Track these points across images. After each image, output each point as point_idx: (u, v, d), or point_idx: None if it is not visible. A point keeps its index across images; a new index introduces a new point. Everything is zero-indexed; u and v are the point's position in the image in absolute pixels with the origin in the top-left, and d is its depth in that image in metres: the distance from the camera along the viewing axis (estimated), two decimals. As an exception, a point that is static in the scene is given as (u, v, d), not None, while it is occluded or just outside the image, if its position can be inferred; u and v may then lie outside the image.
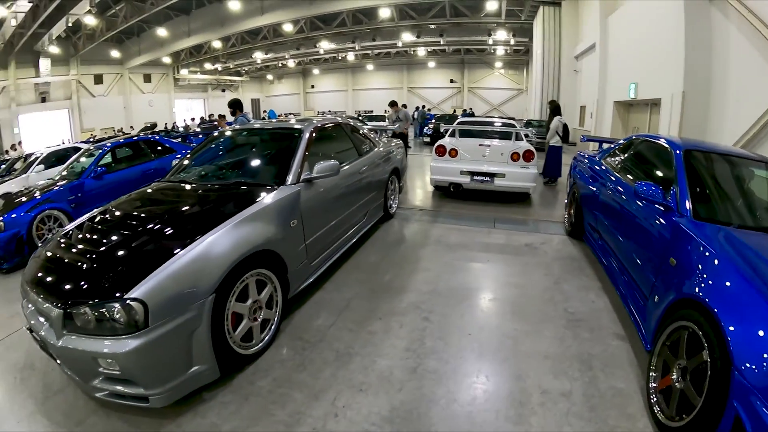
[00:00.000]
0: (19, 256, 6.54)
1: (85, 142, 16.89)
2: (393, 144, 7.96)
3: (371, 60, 44.77)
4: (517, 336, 3.77)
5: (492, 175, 8.34)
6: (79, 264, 3.21)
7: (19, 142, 27.42)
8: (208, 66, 41.88)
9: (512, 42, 32.45)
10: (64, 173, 8.24)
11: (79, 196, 7.45)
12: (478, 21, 27.88)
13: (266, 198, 3.94)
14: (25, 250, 6.58)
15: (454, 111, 38.61)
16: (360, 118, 24.64)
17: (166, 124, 36.44)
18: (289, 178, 4.33)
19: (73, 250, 3.49)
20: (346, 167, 5.47)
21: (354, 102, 49.68)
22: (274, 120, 10.15)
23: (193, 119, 36.84)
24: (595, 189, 5.50)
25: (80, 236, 3.70)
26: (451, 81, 45.78)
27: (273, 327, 3.78)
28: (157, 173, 8.02)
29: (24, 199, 7.19)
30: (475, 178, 8.42)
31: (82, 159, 8.63)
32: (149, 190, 4.68)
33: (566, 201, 7.08)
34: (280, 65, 45.94)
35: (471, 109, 39.30)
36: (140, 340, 2.69)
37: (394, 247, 6.23)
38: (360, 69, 48.25)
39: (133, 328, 2.70)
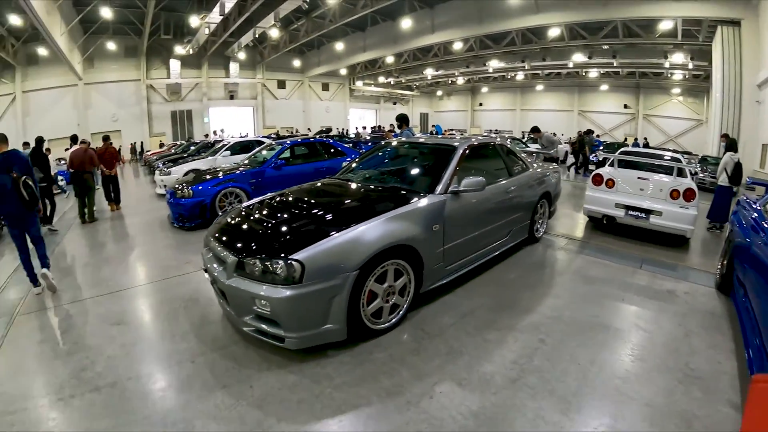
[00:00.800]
0: (200, 220, 8.38)
1: (268, 137, 19.16)
2: (549, 168, 7.86)
3: (541, 80, 42.59)
4: (627, 377, 3.63)
5: (648, 212, 7.63)
6: (256, 229, 4.27)
7: (215, 132, 31.88)
8: (381, 79, 44.02)
9: (690, 66, 28.50)
10: (248, 161, 9.91)
11: (258, 180, 8.94)
12: (653, 42, 25.38)
13: (416, 202, 4.53)
14: (206, 215, 8.34)
15: (625, 139, 36.29)
16: (524, 140, 23.74)
17: (338, 129, 39.73)
18: (439, 188, 4.82)
19: (253, 218, 4.55)
20: (494, 185, 5.73)
21: (522, 122, 47.03)
22: (440, 135, 10.65)
23: (364, 128, 38.81)
24: (747, 239, 4.78)
25: (260, 210, 4.78)
26: (625, 106, 41.47)
27: (401, 312, 4.31)
28: (328, 171, 8.95)
29: (209, 177, 9.00)
30: (630, 212, 7.79)
31: (264, 151, 10.16)
32: (320, 184, 5.79)
33: (721, 250, 6.49)
34: (450, 82, 46.05)
35: (645, 139, 35.29)
36: (293, 291, 3.48)
37: (533, 270, 6.23)
38: (529, 89, 46.51)
39: (290, 281, 3.49)
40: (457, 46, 29.78)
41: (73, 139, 11.99)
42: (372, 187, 5.29)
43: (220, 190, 8.54)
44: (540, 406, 3.17)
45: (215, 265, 4.15)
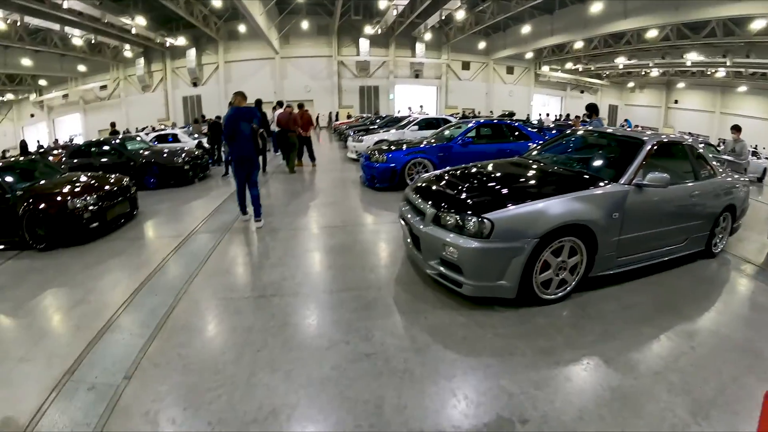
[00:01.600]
0: (389, 183, 9.64)
1: (452, 116, 20.02)
2: (739, 180, 6.98)
3: (744, 80, 35.42)
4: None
5: None
6: (454, 189, 5.03)
7: (409, 107, 33.63)
8: (568, 65, 41.65)
9: None
10: (435, 137, 10.83)
11: (445, 155, 9.78)
12: None
13: (600, 188, 4.78)
14: (395, 180, 9.57)
15: None
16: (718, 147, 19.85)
17: (528, 115, 38.34)
18: (623, 179, 4.95)
19: (450, 182, 5.35)
20: (678, 186, 5.53)
21: (720, 127, 38.78)
22: (629, 129, 10.42)
23: (548, 115, 37.26)
24: None
25: (456, 175, 5.58)
26: None
27: (568, 289, 4.67)
28: (511, 154, 9.29)
29: (401, 147, 10.15)
30: None
31: (451, 129, 10.88)
32: (509, 161, 6.43)
33: None
34: (643, 73, 41.81)
35: None
36: (480, 244, 4.13)
37: (702, 283, 5.81)
38: (730, 89, 39.23)
39: (479, 236, 4.15)
40: (651, 33, 27.52)
41: (279, 103, 14.58)
42: (558, 168, 5.66)
43: (410, 160, 9.68)
44: (673, 401, 3.26)
45: (412, 216, 5.02)
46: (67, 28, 27.31)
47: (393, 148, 10.19)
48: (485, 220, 4.11)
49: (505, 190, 4.85)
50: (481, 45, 38.74)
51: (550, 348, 3.81)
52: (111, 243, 7.46)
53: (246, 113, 7.35)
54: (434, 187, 5.26)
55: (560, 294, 4.61)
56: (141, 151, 12.44)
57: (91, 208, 7.54)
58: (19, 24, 24.41)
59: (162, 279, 5.60)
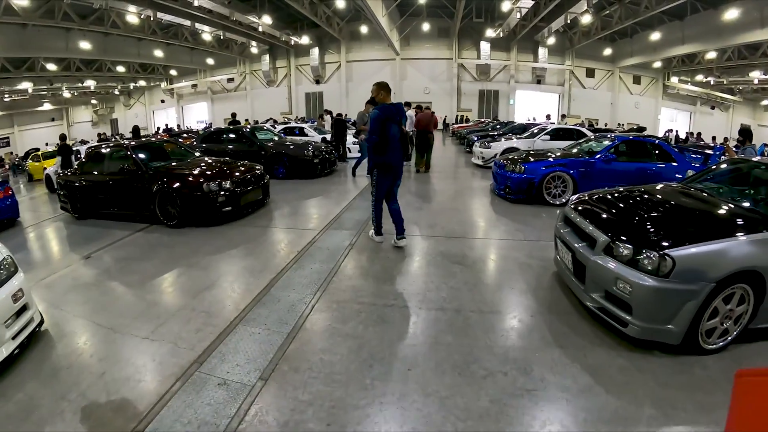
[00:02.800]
0: (524, 196, 8.83)
1: (580, 125, 19.02)
2: None
3: None
4: None
5: None
6: (627, 216, 4.42)
7: (548, 116, 30.85)
8: (699, 78, 37.59)
9: None
10: (575, 149, 9.83)
11: (586, 170, 8.84)
12: None
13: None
14: (532, 192, 8.75)
15: None
16: None
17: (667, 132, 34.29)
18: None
19: (620, 206, 4.71)
20: None
21: None
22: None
23: (674, 131, 32.90)
24: None
25: (624, 199, 4.91)
26: None
27: (729, 339, 3.88)
28: (654, 175, 8.68)
29: (538, 158, 9.32)
30: None
31: (590, 143, 10.07)
32: (678, 189, 5.32)
33: None
34: None
35: None
36: (657, 283, 3.56)
37: None
38: None
39: (657, 273, 3.59)
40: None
41: (407, 104, 14.48)
42: (727, 203, 4.93)
43: (549, 173, 8.84)
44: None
45: (575, 240, 4.48)
46: (197, 24, 28.78)
47: (531, 158, 9.36)
48: (667, 257, 3.60)
49: (683, 224, 4.18)
50: (607, 51, 36.12)
51: (710, 404, 3.16)
52: (242, 229, 7.55)
53: (396, 112, 6.02)
54: (603, 211, 4.69)
55: (720, 344, 3.94)
56: (270, 142, 12.78)
57: (225, 192, 7.72)
58: (152, 19, 26.03)
59: (297, 275, 5.40)
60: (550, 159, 9.18)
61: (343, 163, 15.03)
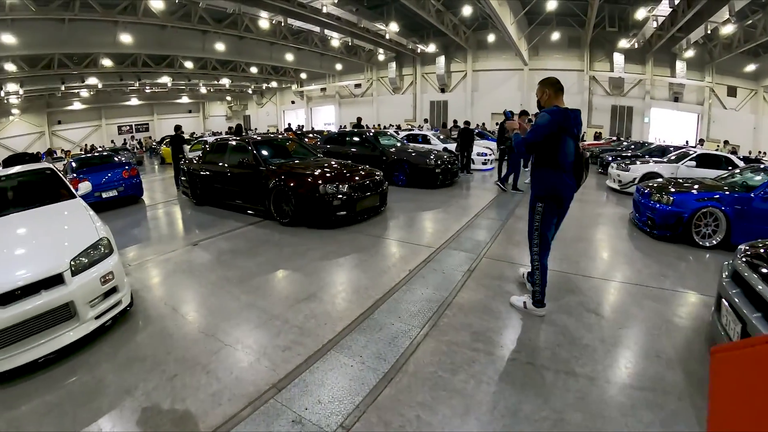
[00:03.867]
0: (670, 232, 7.30)
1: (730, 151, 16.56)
2: None
3: None
4: None
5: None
6: None
7: (701, 140, 27.61)
8: None
9: None
10: (728, 182, 8.09)
11: (743, 208, 7.21)
12: None
13: None
14: (679, 229, 7.22)
15: None
16: None
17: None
18: None
19: None
20: None
21: None
22: None
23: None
24: None
25: None
26: None
27: None
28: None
29: (686, 188, 7.86)
30: None
31: (745, 174, 8.38)
32: None
33: None
34: None
35: None
36: None
37: None
38: None
39: None
40: None
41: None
42: None
43: (701, 207, 7.30)
44: None
45: (750, 308, 3.27)
46: (326, 31, 29.12)
47: (679, 188, 7.89)
48: None
49: None
50: (750, 67, 31.07)
51: None
52: (354, 236, 7.13)
53: (573, 121, 4.19)
54: None
55: None
56: (392, 148, 12.40)
57: (342, 196, 7.38)
58: (282, 24, 27.13)
59: (406, 299, 4.71)
60: (702, 191, 7.65)
61: (466, 174, 14.35)
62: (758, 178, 7.85)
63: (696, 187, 7.92)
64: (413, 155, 11.91)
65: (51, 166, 6.57)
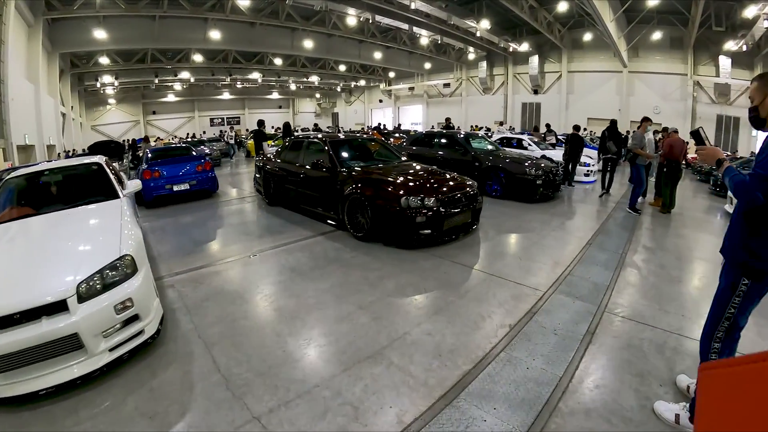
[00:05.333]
0: None
1: None
2: None
3: None
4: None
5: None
6: None
7: None
8: None
9: None
10: None
11: None
12: None
13: None
14: None
15: None
16: None
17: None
18: None
19: None
20: None
21: None
22: None
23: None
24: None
25: None
26: None
27: None
28: None
29: None
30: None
31: None
32: None
33: None
34: None
35: None
36: None
37: None
38: None
39: None
40: None
41: (665, 128, 12.07)
42: None
43: None
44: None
45: None
46: (415, 28, 28.54)
47: None
48: None
49: None
50: None
51: None
52: (440, 261, 5.82)
53: None
54: None
55: None
56: (487, 153, 11.02)
57: (427, 211, 6.15)
58: (371, 22, 26.62)
59: (505, 376, 3.34)
60: None
61: (569, 186, 12.72)
62: None
63: None
64: (510, 163, 10.36)
65: (99, 160, 6.03)
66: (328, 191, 7.29)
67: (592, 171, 14.22)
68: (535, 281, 5.24)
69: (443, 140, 12.01)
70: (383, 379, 3.28)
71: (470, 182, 7.23)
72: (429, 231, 6.22)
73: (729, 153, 26.35)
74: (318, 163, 7.48)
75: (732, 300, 2.75)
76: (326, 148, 7.69)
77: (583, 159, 13.90)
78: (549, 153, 14.24)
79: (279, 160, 9.11)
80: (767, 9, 20.03)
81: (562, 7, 24.68)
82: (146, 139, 26.62)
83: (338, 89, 47.79)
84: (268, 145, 13.61)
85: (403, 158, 8.67)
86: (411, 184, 6.56)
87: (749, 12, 21.64)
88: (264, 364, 3.47)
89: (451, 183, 6.92)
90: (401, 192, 6.24)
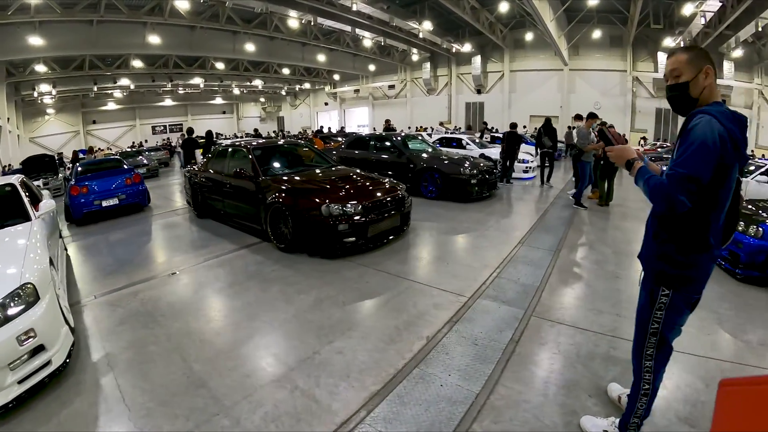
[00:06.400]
0: (759, 272, 5.39)
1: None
2: None
3: None
4: None
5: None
6: None
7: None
8: None
9: None
10: None
11: None
12: None
13: None
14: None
15: None
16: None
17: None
18: None
19: None
20: None
21: None
22: None
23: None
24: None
25: None
26: None
27: None
28: None
29: None
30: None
31: None
32: None
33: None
34: None
35: None
36: None
37: None
38: None
39: None
40: None
41: (603, 123, 11.64)
42: None
43: None
44: None
45: None
46: (357, 30, 28.45)
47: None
48: None
49: None
50: None
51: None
52: (364, 270, 5.61)
53: (743, 136, 2.21)
54: None
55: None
56: (422, 154, 10.90)
57: (351, 218, 5.95)
58: (312, 24, 26.37)
59: (416, 396, 3.13)
60: None
61: (507, 184, 12.73)
62: None
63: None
64: (445, 163, 10.26)
65: (15, 181, 5.71)
66: (252, 201, 7.00)
67: (530, 167, 14.34)
68: (460, 286, 5.07)
69: (379, 143, 11.85)
70: (285, 405, 3.06)
71: (400, 186, 7.10)
72: (353, 239, 6.01)
73: (646, 147, 27.24)
74: (241, 172, 7.14)
75: (653, 314, 2.44)
76: (249, 155, 7.39)
77: (521, 156, 14.05)
78: (489, 151, 14.36)
79: (205, 170, 8.72)
80: (704, 6, 20.88)
81: (504, 8, 24.98)
82: (90, 150, 25.53)
83: (283, 93, 47.19)
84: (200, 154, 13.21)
85: (337, 164, 8.46)
86: (333, 190, 6.36)
87: (687, 10, 22.64)
88: (167, 392, 3.24)
89: (376, 187, 6.78)
90: (322, 199, 6.02)
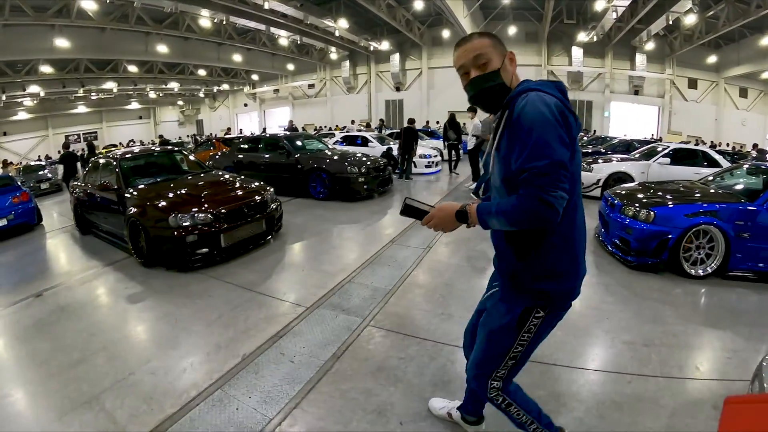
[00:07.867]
0: (654, 259, 5.51)
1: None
2: None
3: None
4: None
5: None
6: None
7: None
8: None
9: None
10: (716, 185, 6.57)
11: (746, 223, 5.42)
12: None
13: None
14: (663, 255, 5.43)
15: None
16: None
17: None
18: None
19: None
20: None
21: None
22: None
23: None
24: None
25: None
26: None
27: None
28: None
29: (675, 198, 5.98)
30: None
31: (735, 176, 6.79)
32: None
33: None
34: None
35: None
36: None
37: None
38: None
39: None
40: None
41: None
42: None
43: (695, 225, 5.42)
44: None
45: None
46: (272, 29, 28.12)
47: (661, 198, 5.98)
48: None
49: None
50: (711, 59, 30.39)
51: None
52: (210, 284, 5.38)
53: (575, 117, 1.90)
54: None
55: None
56: (314, 153, 10.89)
57: (199, 227, 5.76)
58: (225, 23, 25.83)
59: (210, 419, 3.00)
60: (692, 202, 5.77)
61: (405, 180, 12.81)
62: (754, 179, 6.32)
63: (683, 195, 6.14)
64: (331, 162, 10.17)
65: None
66: (117, 214, 6.71)
67: (434, 162, 14.43)
68: (303, 295, 4.97)
69: (267, 144, 11.63)
70: (89, 426, 2.99)
71: (265, 190, 6.98)
72: (206, 250, 5.84)
73: (585, 132, 28.24)
74: (106, 185, 6.84)
75: (520, 337, 2.06)
76: (114, 166, 7.10)
77: (424, 151, 14.20)
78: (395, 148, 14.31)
79: (84, 184, 8.27)
80: (615, 2, 21.65)
81: (419, 6, 25.20)
82: (5, 164, 24.02)
83: (201, 95, 45.75)
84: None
85: (212, 169, 8.38)
86: (183, 199, 6.20)
87: (599, 5, 23.32)
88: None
89: (236, 192, 6.66)
90: (170, 209, 5.83)
